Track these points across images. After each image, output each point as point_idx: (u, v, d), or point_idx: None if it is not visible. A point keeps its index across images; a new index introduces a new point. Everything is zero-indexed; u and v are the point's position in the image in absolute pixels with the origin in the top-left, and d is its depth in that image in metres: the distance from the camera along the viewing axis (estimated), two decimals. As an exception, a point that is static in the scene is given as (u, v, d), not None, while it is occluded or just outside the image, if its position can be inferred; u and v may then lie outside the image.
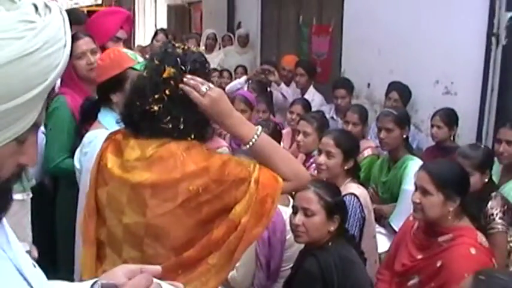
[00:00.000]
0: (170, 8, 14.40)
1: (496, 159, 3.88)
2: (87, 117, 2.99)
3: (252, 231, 1.93)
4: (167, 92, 1.91)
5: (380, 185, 4.31)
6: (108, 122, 2.75)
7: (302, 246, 2.97)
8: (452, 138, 4.73)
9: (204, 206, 1.90)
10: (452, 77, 5.38)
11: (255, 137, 1.97)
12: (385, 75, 5.99)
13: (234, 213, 1.90)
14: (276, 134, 4.31)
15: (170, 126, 1.94)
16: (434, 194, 2.76)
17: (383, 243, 3.71)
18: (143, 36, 15.92)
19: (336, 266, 2.61)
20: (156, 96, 1.92)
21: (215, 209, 1.91)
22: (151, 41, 8.00)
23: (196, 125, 1.98)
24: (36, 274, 1.23)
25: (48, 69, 0.99)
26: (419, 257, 2.83)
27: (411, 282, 2.82)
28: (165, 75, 1.92)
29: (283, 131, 5.15)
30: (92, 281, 1.36)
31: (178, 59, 1.95)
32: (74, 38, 3.44)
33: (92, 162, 2.17)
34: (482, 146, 3.71)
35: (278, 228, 3.19)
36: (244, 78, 6.83)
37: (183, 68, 1.94)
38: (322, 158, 3.48)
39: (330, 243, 2.73)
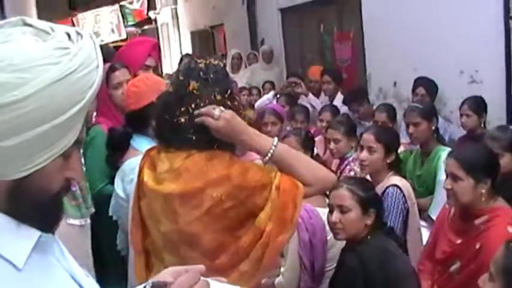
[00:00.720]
0: (194, 34, 14.66)
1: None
2: (119, 147, 3.07)
3: (278, 238, 2.00)
4: (192, 105, 2.04)
5: (415, 179, 4.34)
6: (144, 147, 2.81)
7: (343, 245, 3.06)
8: (482, 125, 4.75)
9: (229, 212, 1.99)
10: (476, 65, 5.43)
11: (273, 148, 2.04)
12: (410, 73, 6.05)
13: (258, 220, 1.99)
14: (308, 142, 4.39)
15: (195, 137, 2.05)
16: (464, 179, 2.80)
17: (424, 236, 3.75)
18: (170, 64, 16.22)
19: (376, 259, 2.68)
20: (182, 109, 2.04)
21: (240, 214, 2.00)
22: (178, 67, 8.19)
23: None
24: (90, 283, 1.33)
25: (84, 89, 1.11)
26: (459, 241, 2.86)
27: (453, 267, 2.85)
28: (189, 89, 2.05)
29: (316, 139, 5.22)
30: (142, 285, 1.49)
31: (201, 72, 2.08)
32: (112, 69, 3.58)
33: None
34: (511, 127, 3.75)
35: (318, 230, 3.27)
36: (272, 93, 6.93)
37: (206, 79, 2.07)
38: (364, 154, 3.57)
39: (369, 237, 2.80)
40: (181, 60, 8.25)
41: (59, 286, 1.20)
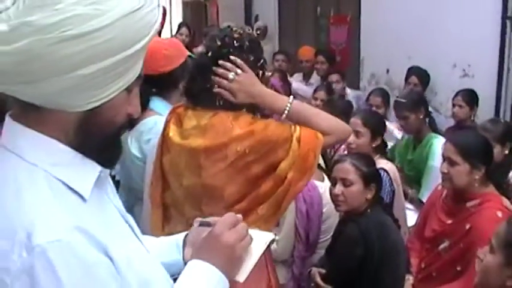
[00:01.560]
0: (186, 4, 14.59)
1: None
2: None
3: (297, 185, 2.17)
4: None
5: (406, 163, 4.52)
6: (161, 109, 2.89)
7: (337, 218, 3.23)
8: (472, 118, 4.94)
9: (251, 164, 2.14)
10: (469, 60, 5.61)
11: (288, 105, 2.19)
12: (403, 61, 6.21)
13: (280, 169, 2.13)
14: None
15: (223, 101, 2.19)
16: (460, 163, 2.96)
17: (410, 218, 3.94)
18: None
19: (375, 230, 2.85)
20: None
21: (262, 166, 2.15)
22: (175, 35, 8.25)
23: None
24: (132, 219, 1.43)
25: (150, 25, 1.21)
26: (449, 222, 3.04)
27: (442, 246, 3.03)
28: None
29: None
30: (183, 233, 1.62)
31: (235, 41, 2.20)
32: None
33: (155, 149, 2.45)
34: (502, 121, 3.95)
35: (315, 202, 3.42)
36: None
37: (241, 46, 2.20)
38: (351, 138, 3.71)
39: (368, 211, 2.95)
40: (178, 28, 8.31)
41: (113, 220, 1.30)
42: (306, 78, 7.24)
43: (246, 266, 1.45)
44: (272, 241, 1.55)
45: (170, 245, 1.61)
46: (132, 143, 3.03)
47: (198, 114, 2.25)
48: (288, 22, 9.36)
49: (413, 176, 4.41)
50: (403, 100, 4.57)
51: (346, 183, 2.97)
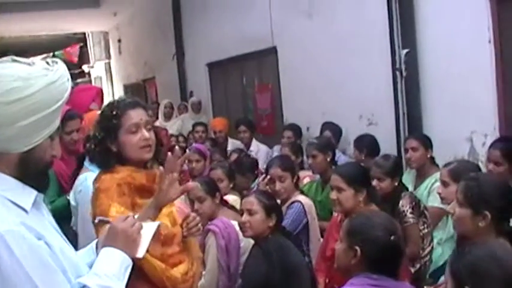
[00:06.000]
0: (126, 87, 15.26)
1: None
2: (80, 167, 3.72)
3: None
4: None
5: (317, 203, 5.03)
6: (93, 167, 3.43)
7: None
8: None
9: None
10: (372, 110, 6.32)
11: None
12: (319, 118, 6.88)
13: None
14: (231, 174, 5.16)
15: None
16: (346, 189, 3.54)
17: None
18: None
19: (275, 251, 3.35)
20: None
21: None
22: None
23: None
24: (63, 236, 1.97)
25: (63, 92, 1.82)
26: (343, 240, 3.60)
27: (338, 261, 3.57)
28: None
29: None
30: (96, 240, 2.15)
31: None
32: (68, 117, 4.03)
33: (85, 198, 3.08)
34: (392, 156, 4.54)
35: (232, 237, 3.95)
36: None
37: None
38: (278, 185, 4.37)
39: (270, 236, 3.49)
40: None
41: (48, 228, 1.85)
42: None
43: (142, 246, 2.01)
44: (159, 227, 2.14)
45: (87, 250, 2.15)
46: (71, 195, 3.64)
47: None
48: (219, 95, 10.09)
49: (325, 215, 4.88)
50: (315, 140, 5.21)
51: (251, 212, 3.51)
